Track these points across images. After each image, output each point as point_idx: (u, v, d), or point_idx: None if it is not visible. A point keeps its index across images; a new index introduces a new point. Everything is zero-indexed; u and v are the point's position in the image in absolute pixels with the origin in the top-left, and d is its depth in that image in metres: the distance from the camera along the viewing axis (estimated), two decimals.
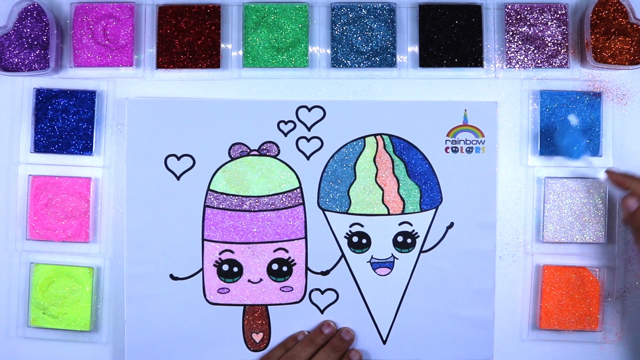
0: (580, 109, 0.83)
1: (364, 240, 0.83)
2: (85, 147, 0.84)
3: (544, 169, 0.83)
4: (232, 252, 0.83)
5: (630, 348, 0.83)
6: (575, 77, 0.84)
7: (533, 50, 0.83)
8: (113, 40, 0.84)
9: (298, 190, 0.83)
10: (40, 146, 0.84)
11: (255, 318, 0.83)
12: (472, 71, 0.84)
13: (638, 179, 0.74)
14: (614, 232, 0.83)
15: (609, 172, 0.78)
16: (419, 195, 0.83)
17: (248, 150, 0.83)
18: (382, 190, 0.83)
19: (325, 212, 0.83)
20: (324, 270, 0.83)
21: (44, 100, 0.84)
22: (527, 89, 0.84)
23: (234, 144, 0.83)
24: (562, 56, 0.83)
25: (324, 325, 0.82)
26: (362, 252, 0.83)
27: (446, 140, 0.83)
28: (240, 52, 0.84)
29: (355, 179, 0.83)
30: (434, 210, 0.83)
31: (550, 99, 0.83)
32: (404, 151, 0.83)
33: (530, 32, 0.83)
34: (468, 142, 0.83)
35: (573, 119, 0.82)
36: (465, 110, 0.83)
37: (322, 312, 0.83)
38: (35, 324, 0.83)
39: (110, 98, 0.84)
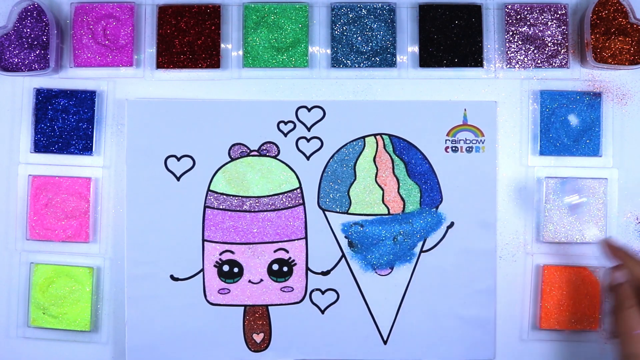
0: (580, 109, 0.83)
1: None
2: (85, 147, 0.84)
3: (544, 169, 0.83)
4: (232, 252, 0.83)
5: None
6: (575, 77, 0.84)
7: (533, 50, 0.83)
8: (113, 40, 0.84)
9: (298, 190, 0.83)
10: (40, 146, 0.84)
11: (256, 318, 0.83)
12: (472, 71, 0.84)
13: (631, 256, 0.72)
14: (614, 232, 0.83)
15: (606, 243, 0.74)
16: (419, 195, 0.83)
17: (248, 151, 0.83)
18: (382, 190, 0.83)
19: (326, 212, 0.83)
20: (325, 270, 0.83)
21: (44, 100, 0.83)
22: (527, 89, 0.84)
23: (233, 145, 0.83)
24: (562, 56, 0.83)
25: None
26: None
27: (446, 140, 0.83)
28: (240, 52, 0.84)
29: (355, 179, 0.83)
30: (434, 210, 0.83)
31: (550, 99, 0.83)
32: (404, 151, 0.83)
33: (530, 32, 0.83)
34: (468, 141, 0.83)
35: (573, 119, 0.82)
36: (465, 109, 0.83)
37: (322, 312, 0.83)
38: (35, 324, 0.83)
39: (110, 98, 0.84)
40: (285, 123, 0.84)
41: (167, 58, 0.83)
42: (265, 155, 0.83)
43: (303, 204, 0.83)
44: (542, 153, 0.83)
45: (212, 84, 0.84)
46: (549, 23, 0.83)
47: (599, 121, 0.83)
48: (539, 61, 0.83)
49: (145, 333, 0.82)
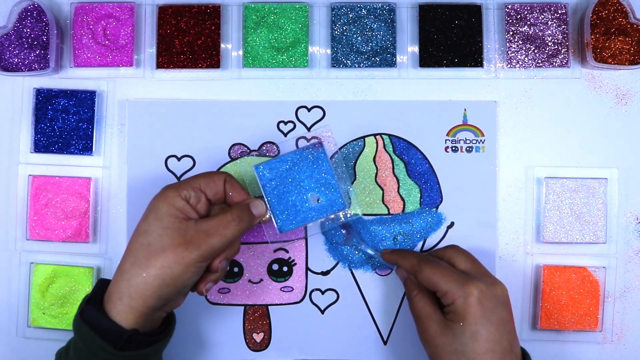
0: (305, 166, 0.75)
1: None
2: (85, 147, 0.84)
3: (544, 169, 0.83)
4: None
5: (630, 348, 0.83)
6: (576, 76, 0.84)
7: (533, 50, 0.83)
8: (113, 40, 0.83)
9: None
10: (40, 146, 0.84)
11: (256, 318, 0.83)
12: (472, 71, 0.84)
13: (404, 253, 0.77)
14: (614, 232, 0.83)
15: (382, 253, 0.79)
16: (419, 195, 0.83)
17: (248, 151, 0.83)
18: (382, 190, 0.83)
19: None
20: (324, 270, 0.83)
21: (44, 100, 0.83)
22: (527, 89, 0.84)
23: (234, 145, 0.83)
24: (562, 55, 0.83)
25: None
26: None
27: (446, 140, 0.83)
28: (240, 52, 0.84)
29: (355, 179, 0.83)
30: (434, 210, 0.83)
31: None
32: (404, 151, 0.83)
33: (530, 32, 0.83)
34: (468, 141, 0.83)
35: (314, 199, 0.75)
36: (465, 109, 0.83)
37: (322, 312, 0.83)
38: (35, 324, 0.83)
39: (110, 98, 0.84)
40: (285, 123, 0.84)
41: (167, 58, 0.83)
42: (265, 155, 0.83)
43: None
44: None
45: (212, 84, 0.84)
46: (549, 23, 0.83)
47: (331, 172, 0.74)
48: (539, 61, 0.83)
49: None
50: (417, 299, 0.72)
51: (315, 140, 0.77)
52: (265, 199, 0.73)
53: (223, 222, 0.66)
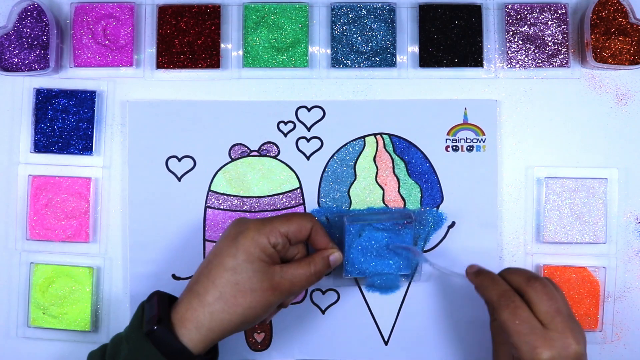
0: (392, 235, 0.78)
1: None
2: (85, 147, 0.83)
3: (544, 169, 0.83)
4: None
5: (630, 348, 0.83)
6: (576, 76, 0.84)
7: (533, 50, 0.83)
8: (113, 40, 0.83)
9: (298, 190, 0.83)
10: (40, 146, 0.84)
11: None
12: (472, 71, 0.84)
13: (489, 282, 0.70)
14: (614, 232, 0.83)
15: (468, 270, 0.74)
16: (419, 194, 0.83)
17: (248, 151, 0.83)
18: (383, 189, 0.83)
19: None
20: None
21: (44, 100, 0.83)
22: (527, 89, 0.84)
23: (234, 145, 0.83)
24: (562, 55, 0.83)
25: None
26: None
27: (446, 139, 0.83)
28: (240, 52, 0.84)
29: (355, 179, 0.83)
30: (435, 209, 0.83)
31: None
32: (404, 150, 0.83)
33: (530, 32, 0.83)
34: (468, 140, 0.83)
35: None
36: (465, 108, 0.83)
37: (323, 312, 0.83)
38: (35, 324, 0.83)
39: (110, 98, 0.84)
40: (285, 123, 0.84)
41: (167, 58, 0.83)
42: (265, 156, 0.83)
43: (303, 204, 0.83)
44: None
45: (212, 84, 0.84)
46: (549, 22, 0.83)
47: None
48: (539, 61, 0.83)
49: None
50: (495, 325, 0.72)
51: (409, 219, 0.78)
52: (344, 249, 0.77)
53: (306, 274, 0.69)
